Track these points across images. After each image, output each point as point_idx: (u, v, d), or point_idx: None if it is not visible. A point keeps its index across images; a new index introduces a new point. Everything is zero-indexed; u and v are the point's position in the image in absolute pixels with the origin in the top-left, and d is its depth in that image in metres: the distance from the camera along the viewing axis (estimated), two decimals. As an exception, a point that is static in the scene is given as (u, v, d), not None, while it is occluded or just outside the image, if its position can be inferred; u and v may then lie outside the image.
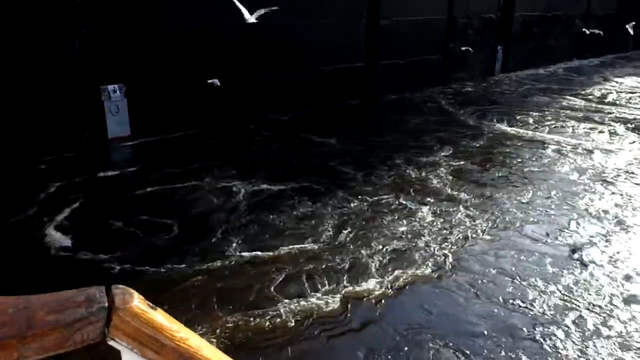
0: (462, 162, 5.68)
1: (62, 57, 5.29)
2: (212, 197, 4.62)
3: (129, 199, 4.55)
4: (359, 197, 4.65)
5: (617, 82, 11.05)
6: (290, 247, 3.75)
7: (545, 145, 6.42)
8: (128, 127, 5.85)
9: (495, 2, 10.87)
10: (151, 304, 0.88)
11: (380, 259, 3.62)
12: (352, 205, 4.49)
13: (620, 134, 6.98)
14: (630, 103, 8.99)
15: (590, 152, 6.17)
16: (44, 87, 5.25)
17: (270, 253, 3.66)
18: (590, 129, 7.22)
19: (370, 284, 3.32)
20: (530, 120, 7.68)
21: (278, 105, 7.45)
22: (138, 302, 0.85)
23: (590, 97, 9.51)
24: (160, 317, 0.86)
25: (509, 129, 7.23)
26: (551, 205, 4.63)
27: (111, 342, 0.83)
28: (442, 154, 5.95)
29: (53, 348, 0.76)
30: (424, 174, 5.29)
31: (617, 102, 9.08)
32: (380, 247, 3.80)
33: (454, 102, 8.85)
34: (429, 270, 3.50)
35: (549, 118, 7.84)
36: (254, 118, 7.00)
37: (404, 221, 4.20)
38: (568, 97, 9.47)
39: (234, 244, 3.77)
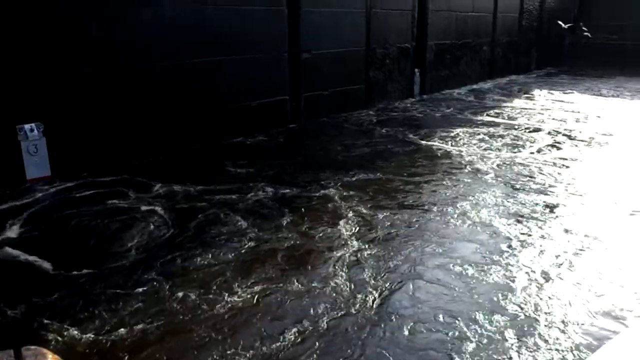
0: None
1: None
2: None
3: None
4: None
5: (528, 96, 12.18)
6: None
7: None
8: (48, 168, 5.70)
9: (410, 33, 11.74)
10: None
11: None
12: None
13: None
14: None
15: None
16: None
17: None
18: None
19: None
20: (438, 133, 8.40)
21: (203, 137, 7.62)
22: (51, 362, 0.85)
23: (493, 113, 10.43)
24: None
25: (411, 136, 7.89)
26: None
27: None
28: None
29: None
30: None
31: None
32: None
33: (373, 120, 9.82)
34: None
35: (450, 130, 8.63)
36: (183, 148, 7.19)
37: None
38: (468, 113, 10.39)
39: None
